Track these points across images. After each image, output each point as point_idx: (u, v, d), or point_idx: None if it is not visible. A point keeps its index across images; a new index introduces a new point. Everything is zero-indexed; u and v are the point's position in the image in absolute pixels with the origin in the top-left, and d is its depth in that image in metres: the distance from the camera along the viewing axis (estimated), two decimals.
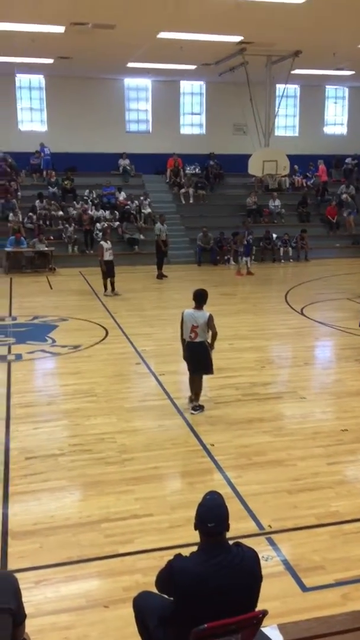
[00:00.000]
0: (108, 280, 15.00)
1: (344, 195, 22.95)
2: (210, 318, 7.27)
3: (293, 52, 16.87)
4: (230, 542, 3.03)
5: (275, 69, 17.92)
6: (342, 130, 25.50)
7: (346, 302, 14.24)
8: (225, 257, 20.25)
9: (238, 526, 4.90)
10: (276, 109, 19.79)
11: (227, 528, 2.95)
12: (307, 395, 8.25)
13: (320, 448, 6.52)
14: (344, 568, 4.46)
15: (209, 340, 7.43)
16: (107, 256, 14.81)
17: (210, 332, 7.38)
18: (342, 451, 6.45)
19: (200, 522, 2.89)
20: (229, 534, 3.01)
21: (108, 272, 14.89)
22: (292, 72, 18.08)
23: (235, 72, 18.32)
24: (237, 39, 15.53)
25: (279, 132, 23.28)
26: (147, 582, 3.73)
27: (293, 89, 23.92)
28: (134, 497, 5.46)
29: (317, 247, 21.46)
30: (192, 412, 7.51)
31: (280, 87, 20.75)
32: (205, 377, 7.74)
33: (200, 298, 7.35)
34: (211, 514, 2.89)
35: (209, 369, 7.52)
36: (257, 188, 22.68)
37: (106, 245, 14.96)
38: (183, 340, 7.47)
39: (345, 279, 17.34)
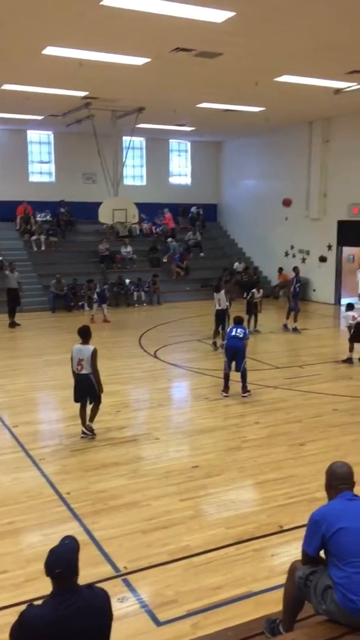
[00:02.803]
0: None
1: (170, 241, 24.04)
2: (94, 352, 8.11)
3: (136, 108, 17.76)
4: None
5: (121, 122, 18.72)
6: (187, 180, 27.03)
7: (196, 344, 14.97)
8: (80, 303, 20.39)
9: (94, 571, 5.02)
10: (123, 160, 20.59)
11: (76, 572, 3.08)
12: (160, 435, 8.57)
13: (173, 486, 6.82)
14: (195, 599, 4.73)
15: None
16: None
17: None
18: (193, 487, 6.80)
19: (48, 569, 3.01)
20: (86, 579, 3.14)
21: None
22: (137, 125, 19.00)
23: (82, 123, 18.86)
24: (82, 93, 16.09)
25: (127, 181, 24.16)
26: (3, 638, 3.72)
27: (139, 141, 25.03)
28: None
29: (169, 291, 22.36)
30: (84, 433, 8.27)
31: (126, 139, 21.68)
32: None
33: (84, 334, 8.30)
34: (58, 560, 3.02)
35: (96, 398, 8.30)
36: (108, 235, 23.22)
37: None
38: (73, 372, 8.29)
39: (196, 321, 18.21)
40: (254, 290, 15.97)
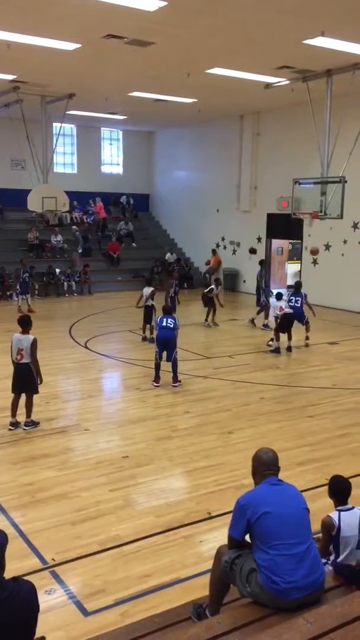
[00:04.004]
0: None
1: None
2: (34, 342, 8.11)
3: (67, 94, 17.42)
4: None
5: (51, 108, 18.31)
6: (119, 169, 26.82)
7: (128, 334, 14.93)
8: (8, 293, 19.89)
9: (22, 564, 4.95)
10: (53, 147, 20.17)
11: (2, 566, 3.02)
12: (91, 426, 8.52)
13: (103, 477, 6.81)
14: (124, 587, 4.75)
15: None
16: None
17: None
18: (123, 477, 6.81)
19: None
20: (13, 573, 3.09)
21: None
22: (68, 112, 18.65)
23: (10, 108, 18.32)
24: (10, 77, 15.63)
25: (57, 169, 23.71)
26: None
27: (70, 128, 24.60)
28: None
29: (100, 281, 22.17)
30: (24, 427, 8.19)
31: (56, 126, 21.23)
32: None
33: (24, 323, 8.27)
34: None
35: (34, 389, 8.31)
36: (38, 223, 22.74)
37: None
38: (13, 361, 8.23)
39: (127, 311, 18.13)
40: (212, 286, 16.02)
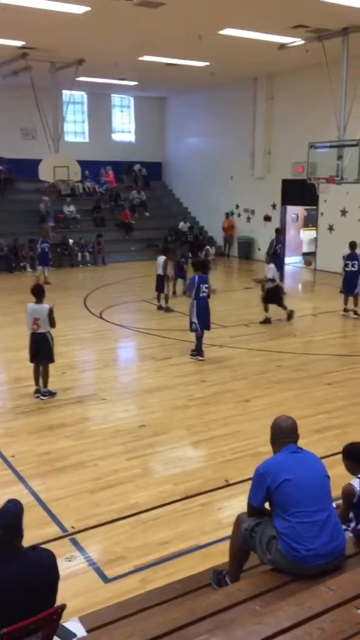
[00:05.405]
0: None
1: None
2: (51, 310, 8.08)
3: (76, 60, 17.08)
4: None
5: (60, 75, 17.98)
6: (130, 137, 26.44)
7: (143, 304, 14.87)
8: (21, 264, 19.87)
9: (41, 532, 4.99)
10: (64, 115, 19.89)
11: (20, 535, 3.02)
12: (107, 396, 8.53)
13: (120, 446, 6.82)
14: (143, 554, 4.78)
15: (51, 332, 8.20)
16: None
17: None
18: (140, 446, 6.82)
19: None
20: (33, 541, 3.09)
21: None
22: (77, 79, 18.31)
23: (19, 76, 18.02)
24: (19, 43, 15.33)
25: (68, 137, 23.41)
26: None
27: (80, 95, 24.22)
28: None
29: (114, 251, 22.03)
30: (42, 397, 8.23)
31: (66, 94, 20.89)
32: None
33: (38, 293, 8.22)
34: (1, 522, 2.96)
35: (51, 358, 8.29)
36: (49, 193, 22.55)
37: None
38: (31, 331, 8.21)
39: (141, 281, 18.04)
40: (208, 247, 15.75)
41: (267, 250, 15.71)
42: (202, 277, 10.17)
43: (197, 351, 10.21)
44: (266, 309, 12.74)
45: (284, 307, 12.80)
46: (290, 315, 12.80)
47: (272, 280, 12.54)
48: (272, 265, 12.79)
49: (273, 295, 12.68)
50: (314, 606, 2.80)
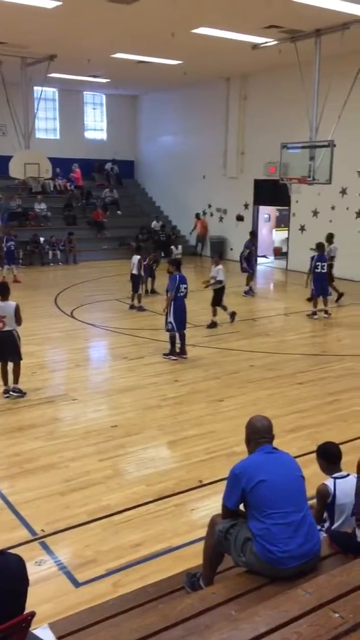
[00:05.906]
0: None
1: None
2: (17, 308, 7.94)
3: (48, 55, 16.86)
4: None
5: (32, 71, 17.71)
6: (102, 135, 26.23)
7: (115, 303, 14.74)
8: None
9: (10, 536, 4.86)
10: (35, 111, 19.61)
11: None
12: (78, 396, 8.40)
13: (92, 446, 6.71)
14: (115, 557, 4.68)
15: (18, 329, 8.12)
16: None
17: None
18: (112, 447, 6.72)
19: None
20: (1, 545, 2.99)
21: None
22: (49, 75, 18.07)
23: None
24: None
25: (39, 134, 23.14)
26: None
27: (52, 92, 23.93)
28: None
29: (85, 250, 21.84)
30: (12, 393, 8.15)
31: (37, 90, 20.62)
32: None
33: (3, 290, 8.06)
34: None
35: (18, 355, 8.16)
36: (20, 191, 22.24)
37: None
38: None
39: (113, 280, 17.93)
40: (172, 247, 15.73)
41: (248, 262, 15.75)
42: (183, 277, 10.12)
43: (181, 351, 10.18)
44: (215, 313, 12.43)
45: (224, 308, 12.54)
46: (232, 316, 12.62)
47: (220, 281, 12.32)
48: (220, 267, 12.38)
49: (217, 295, 12.42)
50: (290, 610, 2.75)
